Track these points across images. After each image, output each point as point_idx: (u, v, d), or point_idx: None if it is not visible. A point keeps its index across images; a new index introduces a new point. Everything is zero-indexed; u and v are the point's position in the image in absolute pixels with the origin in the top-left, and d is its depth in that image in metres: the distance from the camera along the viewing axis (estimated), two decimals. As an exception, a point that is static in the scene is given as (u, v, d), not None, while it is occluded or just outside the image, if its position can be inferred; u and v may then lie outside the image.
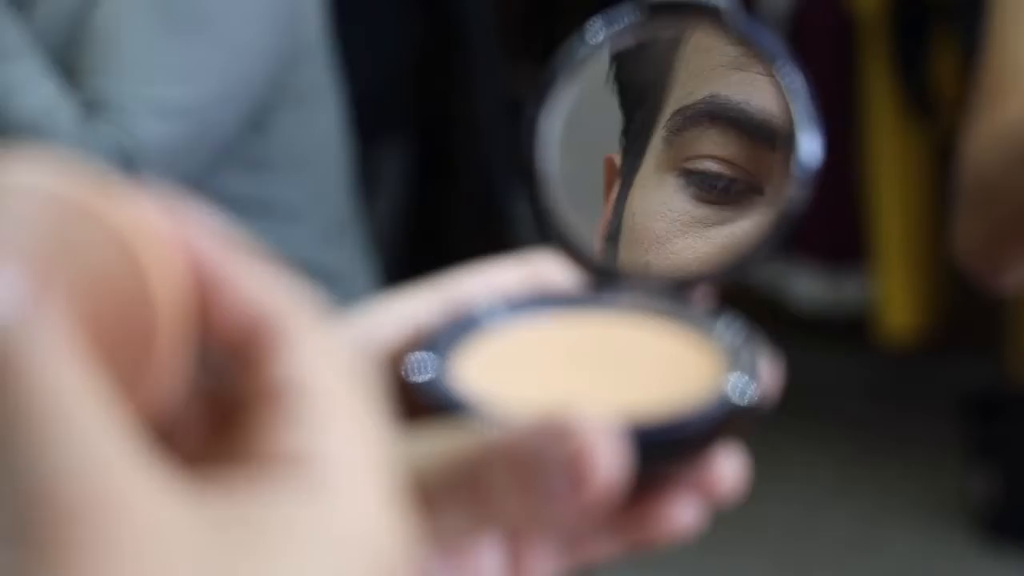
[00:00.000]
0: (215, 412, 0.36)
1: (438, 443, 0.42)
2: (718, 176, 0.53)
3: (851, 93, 3.00)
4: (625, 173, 0.54)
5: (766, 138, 0.49)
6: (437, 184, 3.00)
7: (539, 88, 0.48)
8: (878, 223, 3.03)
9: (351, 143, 1.78)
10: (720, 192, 0.53)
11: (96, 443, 0.30)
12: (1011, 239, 1.19)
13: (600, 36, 0.48)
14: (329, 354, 0.35)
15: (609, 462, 0.40)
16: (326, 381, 0.35)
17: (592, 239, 0.50)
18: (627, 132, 0.54)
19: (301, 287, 0.36)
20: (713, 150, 0.53)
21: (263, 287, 0.35)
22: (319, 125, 1.70)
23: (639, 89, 0.54)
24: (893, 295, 3.06)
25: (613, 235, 0.54)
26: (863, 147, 3.00)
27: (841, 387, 3.26)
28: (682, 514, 0.43)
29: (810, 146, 0.47)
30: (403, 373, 0.45)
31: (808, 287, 3.10)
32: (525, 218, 2.97)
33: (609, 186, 0.54)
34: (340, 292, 1.60)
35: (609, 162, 0.54)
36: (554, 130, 0.48)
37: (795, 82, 0.47)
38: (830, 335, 3.24)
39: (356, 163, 1.81)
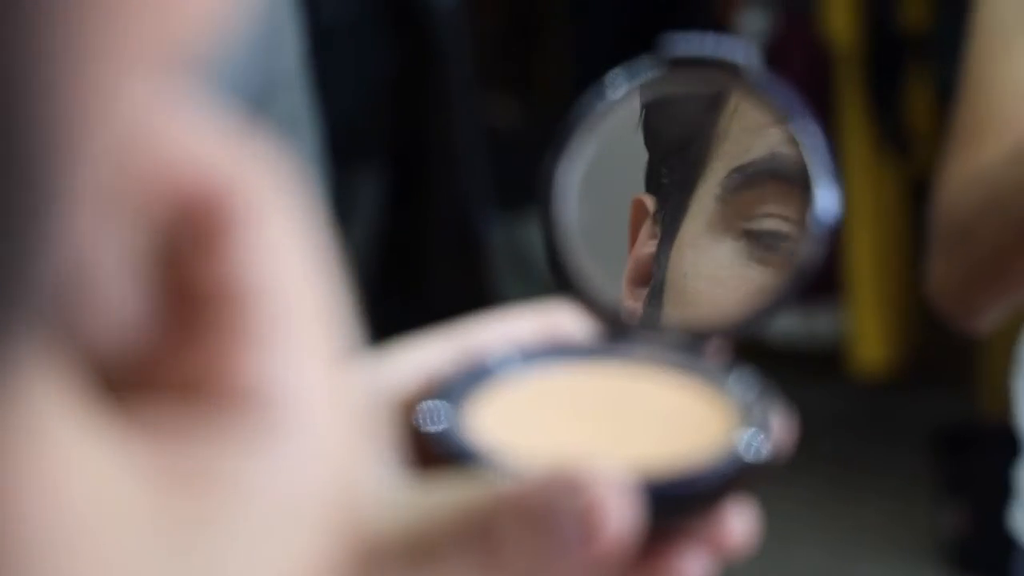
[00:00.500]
0: (168, 307, 0.28)
1: (449, 493, 0.42)
2: (785, 236, 0.52)
3: (826, 127, 3.02)
4: (666, 228, 0.54)
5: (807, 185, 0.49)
6: (412, 212, 2.99)
7: (557, 139, 0.48)
8: (851, 257, 3.04)
9: (327, 171, 1.78)
10: (784, 253, 0.52)
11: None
12: (984, 282, 1.19)
13: (621, 90, 0.49)
14: (291, 250, 0.28)
15: (621, 515, 0.40)
16: (286, 287, 0.28)
17: (608, 290, 0.50)
18: (661, 185, 0.54)
19: (261, 146, 0.29)
20: (778, 209, 0.52)
21: (215, 148, 0.28)
22: (295, 154, 1.70)
23: (673, 142, 0.53)
24: (865, 329, 3.08)
25: (656, 292, 0.53)
26: (837, 180, 3.02)
27: (813, 420, 3.27)
28: (692, 568, 0.43)
29: (827, 201, 0.47)
30: (416, 422, 0.45)
31: (781, 320, 3.11)
32: (500, 247, 2.97)
33: (636, 228, 0.54)
34: None
35: (639, 205, 0.54)
36: (573, 182, 0.48)
37: (813, 138, 0.48)
38: (803, 368, 3.25)
39: (331, 191, 1.81)
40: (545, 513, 0.40)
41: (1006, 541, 1.48)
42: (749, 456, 0.43)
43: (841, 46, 2.99)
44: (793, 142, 0.48)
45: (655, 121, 0.51)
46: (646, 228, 0.54)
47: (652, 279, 0.53)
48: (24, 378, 0.24)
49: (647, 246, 0.54)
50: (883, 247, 3.05)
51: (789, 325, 3.13)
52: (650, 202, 0.54)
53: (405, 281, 3.03)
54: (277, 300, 0.28)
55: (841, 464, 3.18)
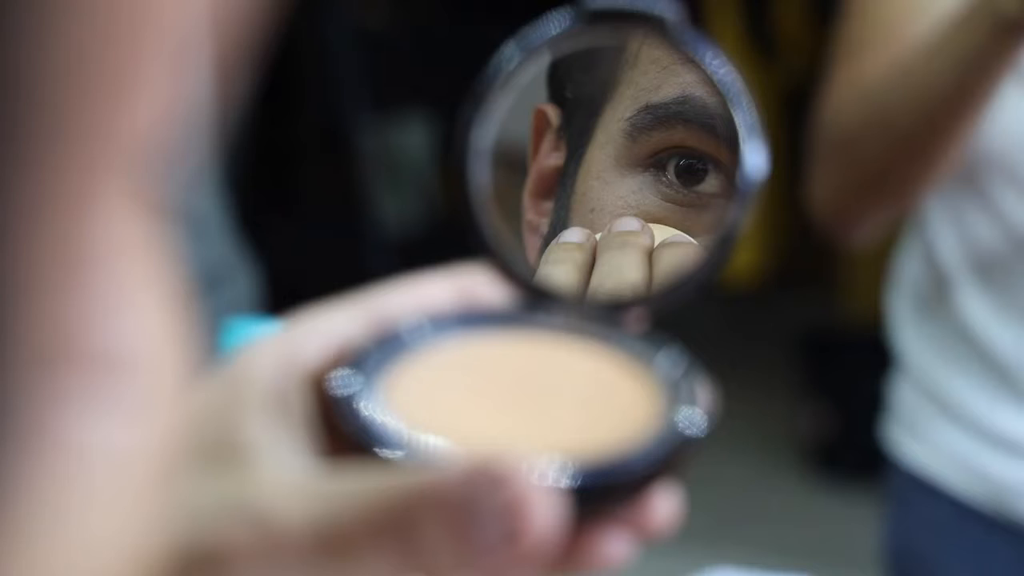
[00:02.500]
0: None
1: (364, 482, 0.40)
2: (693, 171, 0.51)
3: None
4: (572, 147, 0.52)
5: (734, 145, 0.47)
6: (283, 114, 2.95)
7: (471, 99, 0.45)
8: (721, 162, 3.06)
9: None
10: (690, 191, 0.51)
11: None
12: (864, 194, 1.20)
13: (535, 46, 0.46)
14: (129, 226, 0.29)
15: (545, 512, 0.38)
16: (123, 255, 0.28)
17: (525, 256, 0.48)
18: (565, 99, 0.52)
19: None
20: (688, 143, 0.51)
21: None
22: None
23: (583, 90, 0.51)
24: (735, 234, 3.10)
25: (560, 220, 0.51)
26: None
27: (684, 328, 3.29)
28: (615, 550, 0.41)
29: (755, 160, 0.45)
30: (327, 393, 0.42)
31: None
32: (371, 149, 2.93)
33: (538, 139, 0.52)
34: (198, 236, 1.56)
35: (540, 115, 0.52)
36: (487, 142, 0.46)
37: (739, 96, 0.46)
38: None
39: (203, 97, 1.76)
40: (466, 510, 0.38)
41: (869, 447, 1.49)
42: (686, 438, 0.41)
43: (714, -50, 2.98)
44: (719, 100, 0.46)
45: (570, 74, 0.49)
46: (549, 140, 0.52)
47: (556, 201, 0.52)
48: None
49: (550, 158, 0.52)
50: (753, 153, 3.06)
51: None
52: (553, 114, 0.52)
53: (277, 183, 2.98)
54: (114, 263, 0.28)
55: (710, 370, 3.21)
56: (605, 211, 0.51)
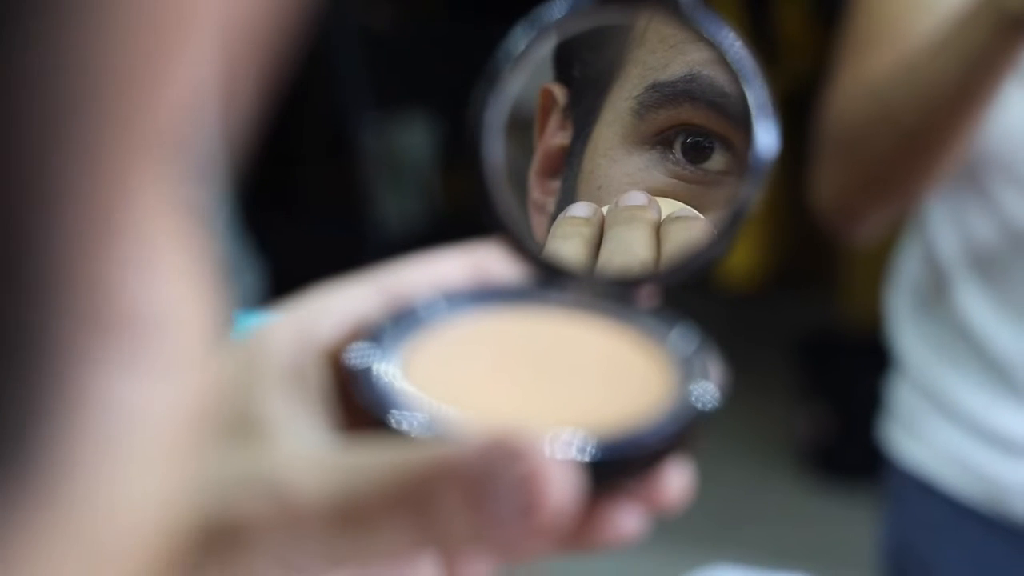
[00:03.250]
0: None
1: (382, 455, 0.40)
2: (699, 148, 0.51)
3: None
4: (579, 126, 0.52)
5: (744, 123, 0.48)
6: (285, 113, 2.95)
7: (484, 79, 0.46)
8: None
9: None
10: (697, 168, 0.51)
11: None
12: (869, 191, 1.21)
13: (546, 24, 0.47)
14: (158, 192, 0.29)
15: (562, 485, 0.38)
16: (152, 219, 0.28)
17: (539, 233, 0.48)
18: (572, 78, 0.52)
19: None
20: (695, 121, 0.51)
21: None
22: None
23: (591, 69, 0.52)
24: (735, 236, 3.10)
25: (567, 198, 0.52)
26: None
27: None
28: (627, 524, 0.42)
29: (767, 137, 0.46)
30: (344, 367, 0.43)
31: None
32: (373, 148, 2.94)
33: (544, 117, 0.52)
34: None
35: (547, 94, 0.52)
36: (500, 120, 0.46)
37: (751, 74, 0.46)
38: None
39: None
40: (483, 483, 0.38)
41: (867, 449, 1.50)
42: (699, 412, 0.42)
43: (716, -48, 2.99)
44: (731, 77, 0.46)
45: (580, 53, 0.50)
46: (555, 119, 0.53)
47: (563, 180, 0.52)
48: None
49: (557, 137, 0.53)
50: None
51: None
52: (560, 93, 0.53)
53: (279, 183, 2.99)
54: (146, 227, 0.28)
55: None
56: (612, 188, 0.52)
